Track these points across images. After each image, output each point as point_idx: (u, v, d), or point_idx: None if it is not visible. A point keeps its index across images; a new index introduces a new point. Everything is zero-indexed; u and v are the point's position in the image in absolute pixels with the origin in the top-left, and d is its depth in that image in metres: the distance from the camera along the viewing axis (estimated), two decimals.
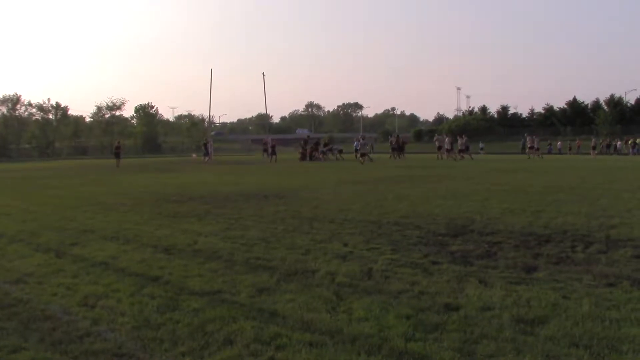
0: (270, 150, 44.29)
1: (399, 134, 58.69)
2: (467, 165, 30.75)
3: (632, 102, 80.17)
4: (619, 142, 57.47)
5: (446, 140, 43.33)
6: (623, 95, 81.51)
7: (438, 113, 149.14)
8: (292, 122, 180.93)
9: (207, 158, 46.55)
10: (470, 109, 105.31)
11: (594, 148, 52.48)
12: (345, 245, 7.59)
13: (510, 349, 3.78)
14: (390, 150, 44.80)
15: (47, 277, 6.08)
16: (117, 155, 40.68)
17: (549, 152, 56.96)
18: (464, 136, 44.25)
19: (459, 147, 42.18)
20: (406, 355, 3.75)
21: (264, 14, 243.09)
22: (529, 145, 45.34)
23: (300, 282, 5.66)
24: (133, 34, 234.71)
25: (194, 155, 64.03)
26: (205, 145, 49.11)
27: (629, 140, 57.23)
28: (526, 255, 6.71)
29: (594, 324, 4.22)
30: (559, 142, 60.29)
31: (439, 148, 42.86)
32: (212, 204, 12.77)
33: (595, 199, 12.36)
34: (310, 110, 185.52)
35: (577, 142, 60.41)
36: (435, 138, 48.22)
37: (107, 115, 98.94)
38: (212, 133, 64.13)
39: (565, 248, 7.11)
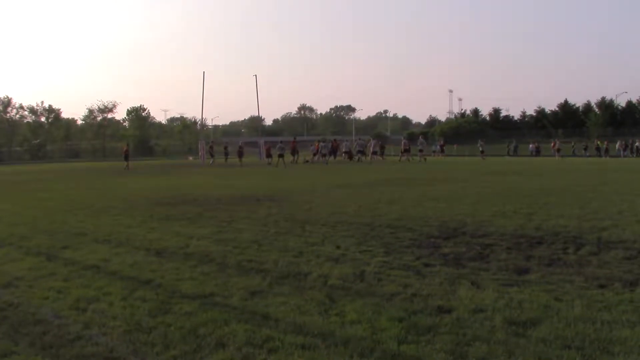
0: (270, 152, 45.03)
1: (335, 138, 62.62)
2: (459, 169, 30.86)
3: (623, 104, 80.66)
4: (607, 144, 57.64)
5: (372, 142, 46.24)
6: (614, 98, 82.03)
7: (430, 115, 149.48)
8: (285, 124, 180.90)
9: (212, 160, 46.89)
10: (463, 111, 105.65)
11: (558, 150, 52.69)
12: (338, 247, 7.59)
13: (503, 351, 3.79)
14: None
15: (38, 281, 6.04)
16: (126, 158, 41.26)
17: (536, 154, 57.16)
18: (403, 138, 48.78)
19: (403, 148, 44.67)
20: (399, 358, 3.75)
21: (257, 17, 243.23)
22: (480, 150, 48.88)
23: (293, 285, 5.65)
24: (125, 36, 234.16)
25: (189, 157, 64.00)
26: (211, 147, 49.49)
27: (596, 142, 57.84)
28: (518, 258, 6.73)
29: (586, 326, 4.24)
30: (530, 145, 60.42)
31: (360, 152, 45.40)
32: (204, 207, 12.75)
33: (587, 201, 12.42)
34: (302, 112, 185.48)
35: (552, 144, 60.44)
36: (355, 142, 50.97)
37: (98, 118, 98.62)
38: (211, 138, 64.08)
39: (557, 250, 7.14)
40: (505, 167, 31.74)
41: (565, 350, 3.80)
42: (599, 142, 57.03)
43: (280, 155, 38.12)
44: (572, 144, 61.18)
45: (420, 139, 47.54)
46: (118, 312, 4.86)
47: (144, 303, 5.10)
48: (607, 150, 54.58)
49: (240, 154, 46.66)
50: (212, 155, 47.97)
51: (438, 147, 55.32)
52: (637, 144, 54.34)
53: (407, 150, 44.20)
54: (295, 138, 51.39)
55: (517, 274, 5.95)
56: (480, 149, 49.35)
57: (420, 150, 44.65)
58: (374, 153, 44.71)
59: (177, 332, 4.30)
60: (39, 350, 4.03)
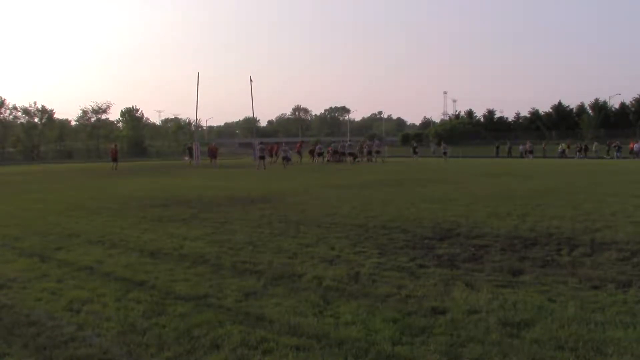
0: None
1: (319, 139, 63.67)
2: (452, 170, 30.93)
3: (617, 106, 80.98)
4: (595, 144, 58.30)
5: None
6: (607, 100, 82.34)
7: (425, 117, 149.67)
8: (279, 125, 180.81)
9: (190, 161, 46.89)
10: (457, 112, 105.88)
11: (530, 152, 55.26)
12: (332, 249, 7.59)
13: (497, 352, 3.80)
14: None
15: (31, 282, 6.02)
16: (114, 160, 41.26)
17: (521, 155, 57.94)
18: (367, 140, 52.74)
19: (367, 150, 46.88)
20: (393, 359, 3.75)
21: (251, 18, 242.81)
22: (443, 151, 51.63)
23: (287, 286, 5.65)
24: (119, 37, 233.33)
25: (186, 158, 63.89)
26: (189, 148, 49.43)
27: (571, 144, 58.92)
28: (512, 259, 6.75)
29: (579, 327, 4.25)
30: (520, 146, 61.08)
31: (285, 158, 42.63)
32: (198, 208, 12.73)
33: (580, 202, 12.47)
34: (297, 114, 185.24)
35: (526, 144, 61.32)
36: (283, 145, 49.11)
37: (92, 119, 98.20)
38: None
39: (550, 251, 7.17)
40: (498, 168, 31.82)
41: (559, 351, 3.82)
42: (563, 144, 58.40)
43: (261, 157, 37.68)
44: (543, 145, 61.86)
45: (376, 141, 51.54)
46: (112, 313, 4.84)
47: (138, 304, 5.08)
48: (586, 149, 55.76)
49: (214, 155, 46.97)
50: (191, 156, 47.82)
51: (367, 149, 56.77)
52: (614, 145, 54.78)
53: (369, 152, 46.24)
54: (302, 141, 52.95)
55: (511, 275, 5.97)
56: (443, 150, 52.36)
57: (377, 152, 47.08)
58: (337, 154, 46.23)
59: (172, 334, 4.29)
60: (33, 351, 4.01)
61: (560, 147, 58.93)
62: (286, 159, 39.62)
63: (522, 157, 56.24)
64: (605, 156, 52.75)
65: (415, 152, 54.60)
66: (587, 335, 4.08)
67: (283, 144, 43.41)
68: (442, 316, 4.59)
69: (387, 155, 55.44)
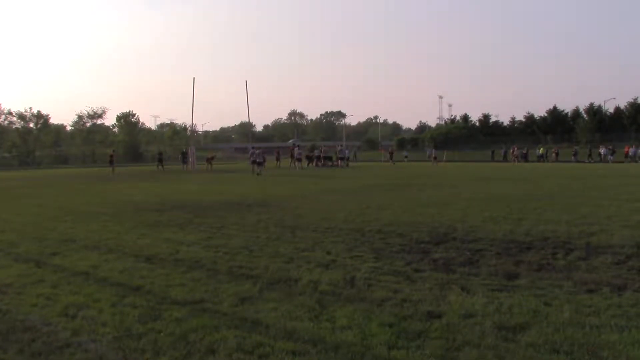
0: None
1: (298, 144, 67.06)
2: (449, 174, 30.98)
3: (611, 110, 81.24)
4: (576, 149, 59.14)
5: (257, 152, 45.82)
6: (602, 104, 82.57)
7: (420, 121, 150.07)
8: (275, 130, 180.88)
9: (184, 166, 47.31)
10: (452, 117, 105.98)
11: (519, 156, 57.98)
12: (328, 253, 7.60)
13: (492, 356, 3.81)
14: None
15: (26, 288, 6.00)
16: (111, 163, 42.02)
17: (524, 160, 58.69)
18: (339, 146, 56.18)
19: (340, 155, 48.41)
20: None
21: (247, 23, 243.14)
22: (433, 156, 54.54)
23: (283, 291, 5.65)
24: (115, 42, 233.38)
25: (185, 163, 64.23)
26: (184, 153, 49.95)
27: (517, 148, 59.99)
28: (508, 263, 6.77)
29: (575, 330, 4.27)
30: (514, 149, 62.03)
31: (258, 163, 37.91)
32: (194, 213, 12.71)
33: (575, 206, 12.50)
34: (293, 118, 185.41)
35: (511, 149, 62.09)
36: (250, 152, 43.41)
37: (88, 124, 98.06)
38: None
39: (546, 255, 7.19)
40: (494, 172, 31.89)
41: (554, 354, 3.83)
42: (541, 149, 60.15)
43: (257, 163, 36.33)
44: (525, 148, 62.42)
45: (343, 147, 55.97)
46: (108, 318, 4.83)
47: (133, 309, 5.08)
48: (558, 155, 57.94)
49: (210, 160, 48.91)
50: (184, 162, 48.66)
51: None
52: (601, 150, 55.09)
53: (342, 158, 47.61)
54: (298, 145, 54.21)
55: (506, 279, 5.98)
56: (433, 155, 55.17)
57: (348, 158, 50.78)
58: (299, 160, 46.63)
59: (167, 339, 4.29)
60: (28, 357, 4.01)
61: (538, 151, 60.32)
62: (258, 163, 36.33)
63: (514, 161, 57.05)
64: (586, 160, 53.74)
65: (391, 158, 58.11)
66: (582, 339, 4.09)
67: (253, 148, 41.16)
68: (437, 320, 4.60)
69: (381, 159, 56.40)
